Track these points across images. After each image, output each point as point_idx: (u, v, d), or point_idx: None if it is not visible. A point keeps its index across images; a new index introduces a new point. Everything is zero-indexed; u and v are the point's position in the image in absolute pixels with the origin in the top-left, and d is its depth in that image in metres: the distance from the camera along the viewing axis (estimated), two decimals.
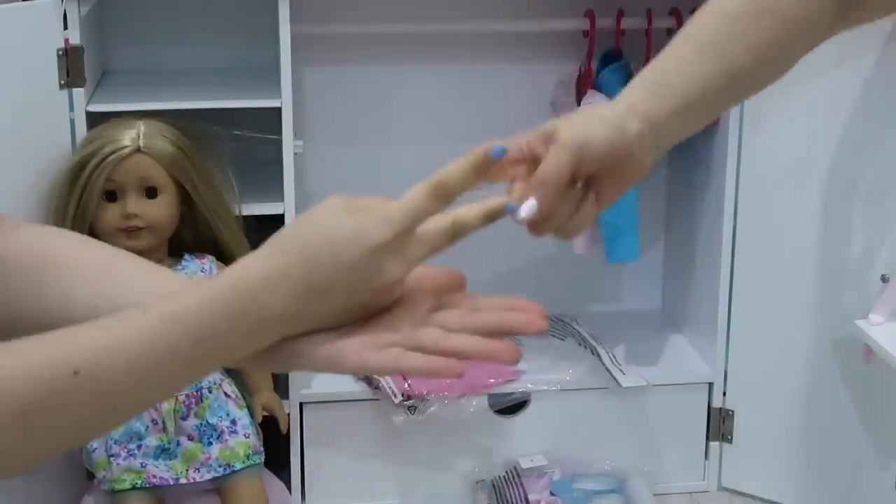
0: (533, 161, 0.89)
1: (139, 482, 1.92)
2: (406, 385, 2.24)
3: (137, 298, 0.84)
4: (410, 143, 2.50)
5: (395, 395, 2.23)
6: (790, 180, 2.19)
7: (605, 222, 2.27)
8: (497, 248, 2.55)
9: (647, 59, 2.33)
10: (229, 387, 2.01)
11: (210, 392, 1.97)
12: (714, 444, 2.40)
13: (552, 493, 2.27)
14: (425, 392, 2.24)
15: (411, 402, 2.23)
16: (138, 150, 1.92)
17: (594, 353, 2.39)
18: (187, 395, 1.95)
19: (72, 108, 2.03)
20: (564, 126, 0.89)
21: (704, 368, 2.39)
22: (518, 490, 2.23)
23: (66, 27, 1.99)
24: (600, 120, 0.89)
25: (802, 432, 2.27)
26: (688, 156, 2.46)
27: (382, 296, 0.80)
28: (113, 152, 1.91)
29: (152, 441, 1.94)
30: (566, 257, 2.55)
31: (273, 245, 0.80)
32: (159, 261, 1.99)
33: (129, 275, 0.87)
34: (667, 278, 2.65)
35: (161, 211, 1.94)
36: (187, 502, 2.00)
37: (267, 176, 2.17)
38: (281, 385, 2.16)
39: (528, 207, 0.88)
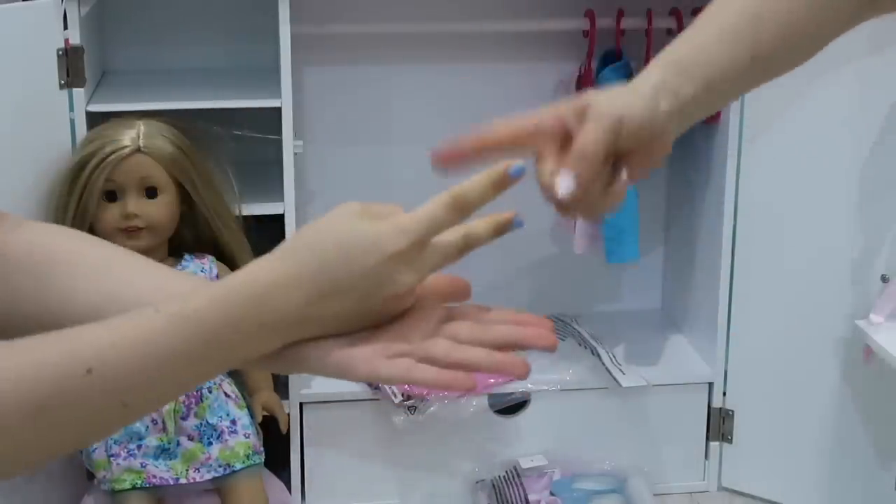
0: (564, 136, 0.88)
1: (139, 482, 1.92)
2: (406, 385, 2.24)
3: (138, 296, 0.84)
4: (410, 143, 2.49)
5: (395, 395, 2.23)
6: (790, 180, 2.19)
7: (605, 222, 2.27)
8: (497, 248, 2.54)
9: (647, 59, 2.33)
10: (229, 387, 2.01)
11: (210, 392, 1.97)
12: (714, 444, 2.40)
13: (552, 493, 2.27)
14: (425, 392, 2.24)
15: (411, 402, 2.23)
16: (138, 150, 1.92)
17: (594, 353, 2.39)
18: (187, 395, 1.95)
19: (72, 108, 2.03)
20: (599, 99, 0.87)
21: (704, 368, 2.39)
22: (518, 490, 2.23)
23: (66, 27, 1.99)
24: (635, 95, 0.88)
25: (802, 432, 2.27)
26: (688, 156, 2.46)
27: (393, 304, 0.80)
28: (113, 152, 1.91)
29: (152, 441, 1.94)
30: (566, 257, 2.55)
31: (286, 249, 0.79)
32: (159, 261, 1.98)
33: (129, 272, 0.87)
34: (667, 278, 2.65)
35: (161, 211, 1.94)
36: (187, 502, 2.00)
37: (267, 176, 2.17)
38: (281, 385, 2.16)
39: (565, 185, 0.86)
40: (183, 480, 1.94)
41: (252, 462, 1.98)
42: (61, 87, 2.00)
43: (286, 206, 2.12)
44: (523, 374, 0.79)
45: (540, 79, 2.44)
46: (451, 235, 0.81)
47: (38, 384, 0.70)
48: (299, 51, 2.13)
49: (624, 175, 0.89)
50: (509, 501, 2.22)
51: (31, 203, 1.96)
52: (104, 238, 1.97)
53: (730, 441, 2.38)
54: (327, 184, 2.47)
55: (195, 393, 1.96)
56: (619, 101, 0.87)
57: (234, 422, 1.98)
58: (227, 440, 1.96)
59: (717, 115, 2.26)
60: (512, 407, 2.32)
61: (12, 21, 1.91)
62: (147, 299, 0.82)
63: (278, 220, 2.13)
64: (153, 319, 0.74)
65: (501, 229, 0.83)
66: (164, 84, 2.23)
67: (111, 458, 1.92)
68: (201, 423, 1.95)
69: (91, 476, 2.03)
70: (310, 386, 2.27)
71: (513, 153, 0.86)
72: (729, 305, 2.31)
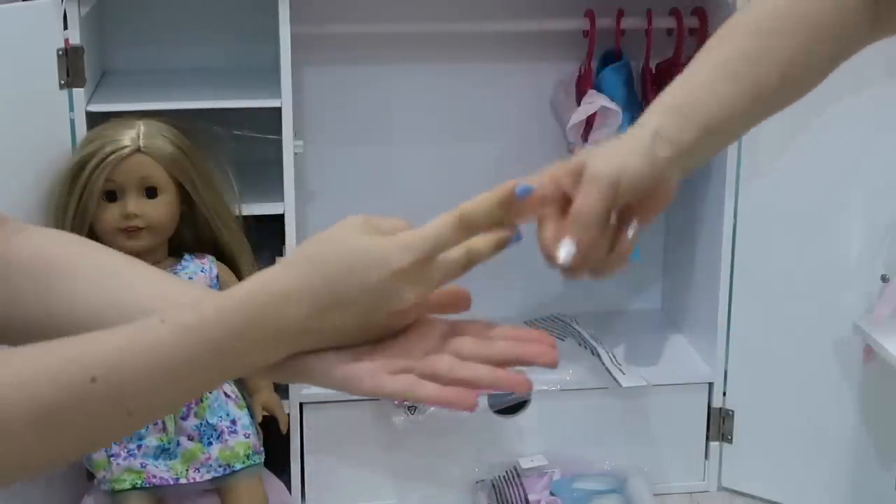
0: (563, 199, 0.87)
1: (139, 482, 1.92)
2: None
3: (140, 301, 0.84)
4: (410, 143, 2.50)
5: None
6: (790, 180, 2.19)
7: None
8: None
9: (647, 59, 2.35)
10: (229, 387, 2.01)
11: (210, 392, 1.97)
12: (714, 444, 2.40)
13: (552, 493, 2.27)
14: None
15: (411, 402, 2.23)
16: (138, 150, 1.92)
17: (594, 353, 2.39)
18: None
19: (72, 108, 2.03)
20: (593, 159, 0.86)
21: (704, 368, 2.39)
22: (518, 490, 2.23)
23: (66, 27, 1.99)
24: (629, 149, 0.86)
25: (802, 432, 2.27)
26: None
27: (397, 319, 0.81)
28: (113, 152, 1.91)
29: (152, 441, 1.94)
30: None
31: (291, 261, 0.80)
32: (159, 261, 1.99)
33: (131, 278, 0.87)
34: (667, 278, 2.65)
35: (161, 211, 1.94)
36: (187, 502, 2.00)
37: (267, 176, 2.17)
38: (281, 385, 2.16)
39: (566, 250, 0.86)
40: (183, 480, 1.94)
41: (252, 462, 1.98)
42: (61, 87, 2.00)
43: (286, 206, 2.12)
44: (525, 391, 0.80)
45: (540, 79, 2.44)
46: (454, 252, 0.81)
47: (43, 391, 0.70)
48: (299, 51, 2.13)
49: (631, 232, 0.88)
50: (509, 501, 2.22)
51: (31, 203, 1.96)
52: (104, 238, 1.98)
53: (730, 441, 2.38)
54: (327, 184, 2.47)
55: None
56: (615, 159, 0.85)
57: (234, 422, 1.98)
58: (227, 440, 1.96)
59: None
60: (512, 407, 2.32)
61: (12, 21, 1.91)
62: (149, 306, 0.82)
63: (278, 220, 2.13)
64: (158, 329, 0.74)
65: (502, 245, 0.84)
66: (164, 84, 2.22)
67: (111, 458, 1.92)
68: (201, 423, 1.95)
69: (91, 476, 2.03)
70: (310, 386, 2.27)
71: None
72: (729, 305, 2.31)
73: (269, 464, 2.07)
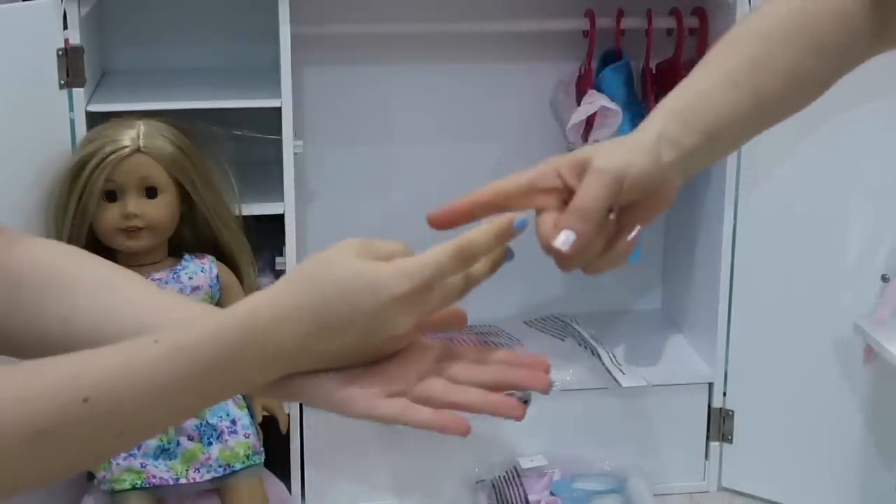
0: (564, 191, 0.87)
1: (139, 482, 1.92)
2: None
3: (138, 316, 0.84)
4: (410, 143, 2.50)
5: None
6: (790, 180, 2.19)
7: None
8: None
9: (647, 59, 2.35)
10: None
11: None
12: (714, 444, 2.40)
13: (552, 493, 2.27)
14: None
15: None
16: (138, 150, 1.92)
17: (594, 353, 2.39)
18: None
19: (72, 108, 2.03)
20: (599, 153, 0.86)
21: (704, 368, 2.39)
22: (518, 490, 2.23)
23: (66, 27, 1.99)
24: (635, 148, 0.86)
25: (802, 432, 2.27)
26: None
27: (393, 343, 0.81)
28: (113, 152, 1.91)
29: (152, 441, 1.93)
30: None
31: (287, 283, 0.80)
32: (159, 261, 1.99)
33: (130, 292, 0.87)
34: (667, 278, 2.65)
35: (161, 211, 1.94)
36: (187, 502, 2.00)
37: (267, 176, 2.17)
38: None
39: (564, 239, 0.86)
40: (183, 480, 1.94)
41: (252, 462, 1.98)
42: (61, 87, 2.00)
43: (286, 206, 2.12)
44: (519, 417, 0.83)
45: (540, 79, 2.44)
46: (452, 277, 0.82)
47: (37, 410, 0.70)
48: (299, 51, 2.13)
49: (632, 234, 0.88)
50: (509, 501, 2.22)
51: (31, 203, 1.96)
52: (104, 238, 1.98)
53: (730, 441, 2.38)
54: (327, 184, 2.47)
55: None
56: (619, 156, 0.85)
57: (234, 422, 1.98)
58: (226, 440, 1.96)
59: None
60: None
61: (12, 21, 1.90)
62: (147, 320, 0.83)
63: (278, 220, 2.13)
64: (153, 349, 0.74)
65: (497, 266, 0.87)
66: (164, 84, 2.22)
67: (111, 459, 1.92)
68: (201, 423, 1.95)
69: (91, 476, 2.03)
70: None
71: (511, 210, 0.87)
72: (729, 305, 2.31)
73: (269, 464, 2.07)
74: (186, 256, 2.02)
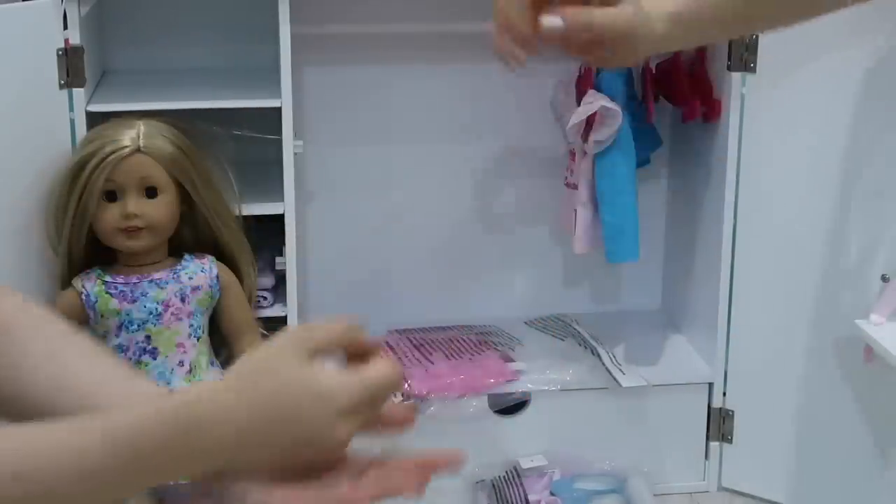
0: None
1: None
2: (406, 385, 2.24)
3: (80, 389, 0.85)
4: (410, 143, 2.49)
5: (395, 395, 2.23)
6: (790, 180, 2.19)
7: (605, 222, 2.27)
8: (498, 249, 2.55)
9: (647, 59, 2.34)
10: None
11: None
12: (714, 444, 2.40)
13: (552, 493, 2.27)
14: (425, 392, 2.23)
15: (411, 402, 2.23)
16: (138, 150, 1.92)
17: (594, 353, 2.39)
18: None
19: (72, 108, 2.02)
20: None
21: (704, 368, 2.39)
22: (518, 490, 2.23)
23: (66, 27, 1.99)
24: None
25: (802, 432, 2.27)
26: (688, 156, 2.46)
27: (328, 454, 0.81)
28: (113, 152, 1.91)
29: None
30: (566, 257, 2.55)
31: (229, 381, 0.79)
32: (159, 261, 1.99)
33: (78, 362, 0.88)
34: (667, 278, 2.65)
35: (161, 211, 1.94)
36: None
37: (267, 176, 2.17)
38: None
39: (551, 20, 1.13)
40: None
41: None
42: (61, 87, 2.00)
43: (286, 206, 2.12)
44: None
45: (540, 79, 2.44)
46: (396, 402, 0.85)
47: None
48: (299, 51, 2.13)
49: (546, 23, 1.14)
50: (509, 501, 2.22)
51: (31, 203, 1.96)
52: (104, 238, 1.98)
53: (730, 441, 2.38)
54: (327, 184, 2.47)
55: None
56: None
57: None
58: None
59: (717, 114, 2.26)
60: (512, 407, 2.32)
61: (12, 21, 1.91)
62: (88, 395, 0.83)
63: (278, 220, 2.13)
64: (83, 430, 0.74)
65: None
66: (164, 84, 2.22)
67: None
68: None
69: None
70: None
71: None
72: (729, 305, 2.31)
73: None
74: (186, 256, 2.01)
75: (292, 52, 2.06)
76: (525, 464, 2.29)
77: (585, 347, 2.43)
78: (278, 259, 2.16)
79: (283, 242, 2.14)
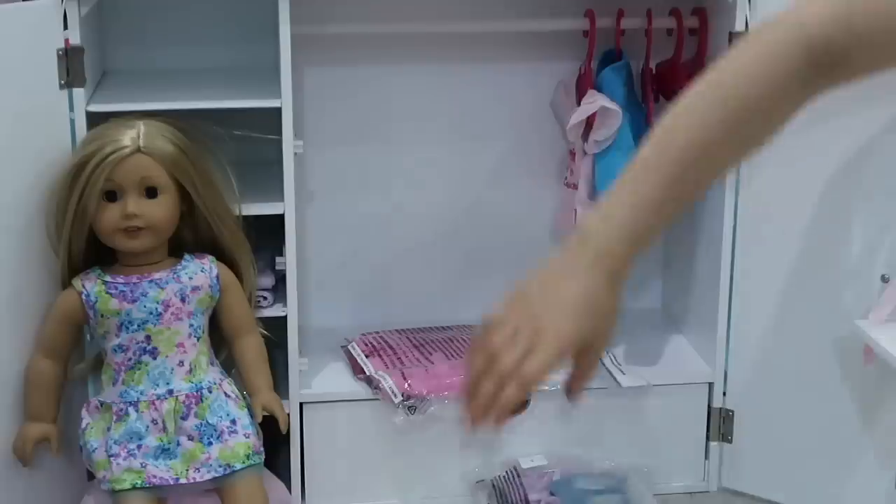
0: None
1: (139, 482, 1.92)
2: (406, 385, 2.24)
3: None
4: (410, 143, 2.49)
5: (395, 395, 2.23)
6: (790, 180, 2.19)
7: None
8: (498, 249, 2.54)
9: (647, 59, 2.35)
10: (229, 387, 2.01)
11: (210, 392, 1.97)
12: (714, 444, 2.40)
13: (552, 493, 2.27)
14: (425, 392, 2.23)
15: (411, 402, 2.23)
16: (138, 150, 1.92)
17: None
18: (187, 395, 1.95)
19: (72, 108, 2.03)
20: None
21: (704, 368, 2.39)
22: (518, 490, 2.23)
23: (66, 27, 1.99)
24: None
25: (802, 432, 2.27)
26: None
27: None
28: (113, 152, 1.91)
29: (152, 441, 1.94)
30: None
31: None
32: (159, 261, 1.99)
33: None
34: (667, 278, 2.65)
35: (161, 211, 1.94)
36: (187, 502, 2.00)
37: (267, 176, 2.17)
38: (281, 385, 2.16)
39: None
40: (183, 480, 1.94)
41: (252, 462, 1.98)
42: (61, 87, 2.00)
43: (286, 206, 2.12)
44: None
45: (540, 79, 2.44)
46: None
47: None
48: (299, 51, 2.13)
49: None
50: (509, 501, 2.22)
51: (31, 203, 1.96)
52: (104, 238, 1.99)
53: (730, 441, 2.38)
54: (327, 184, 2.47)
55: (195, 393, 1.96)
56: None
57: (234, 422, 1.98)
58: (227, 440, 1.96)
59: None
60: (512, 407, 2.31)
61: (12, 21, 1.91)
62: None
63: (278, 219, 2.13)
64: None
65: None
66: (164, 84, 2.22)
67: (111, 458, 1.92)
68: (201, 423, 1.95)
69: (91, 476, 2.03)
70: (310, 386, 2.28)
71: None
72: (729, 305, 2.31)
73: (268, 463, 2.07)
74: (186, 256, 2.02)
75: (292, 52, 2.06)
76: (525, 464, 2.29)
77: None
78: (278, 259, 2.16)
79: (283, 242, 2.14)
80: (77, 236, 1.95)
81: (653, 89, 2.35)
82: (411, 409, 2.23)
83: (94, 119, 2.02)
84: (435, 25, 2.35)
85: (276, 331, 2.16)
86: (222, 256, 2.04)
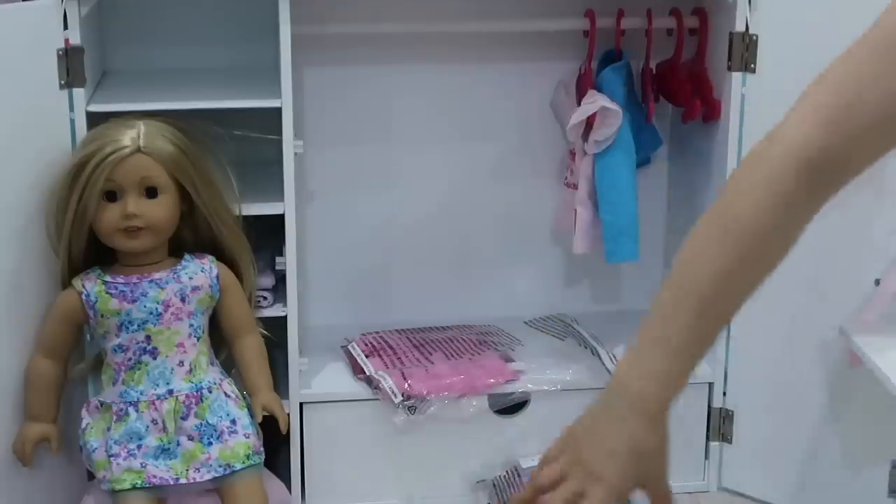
0: None
1: (139, 482, 1.92)
2: (406, 385, 2.24)
3: None
4: (410, 143, 2.49)
5: (395, 395, 2.23)
6: None
7: (604, 222, 2.27)
8: (498, 249, 2.55)
9: (647, 59, 2.35)
10: (229, 387, 2.01)
11: (210, 392, 1.97)
12: (714, 444, 2.40)
13: None
14: (425, 392, 2.23)
15: (411, 402, 2.23)
16: (138, 150, 1.92)
17: (594, 353, 2.39)
18: (187, 395, 1.95)
19: (72, 108, 2.03)
20: None
21: (704, 368, 2.38)
22: (518, 490, 2.23)
23: (66, 27, 1.99)
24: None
25: (802, 432, 2.27)
26: (688, 156, 2.46)
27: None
28: (113, 152, 1.91)
29: (152, 441, 1.94)
30: (566, 257, 2.55)
31: None
32: (159, 261, 1.99)
33: None
34: (667, 278, 2.64)
35: (161, 211, 1.94)
36: (187, 502, 2.00)
37: (267, 176, 2.17)
38: (281, 385, 2.16)
39: None
40: (183, 480, 1.94)
41: (252, 462, 1.98)
42: (61, 87, 2.00)
43: (286, 206, 2.12)
44: None
45: (540, 79, 2.44)
46: None
47: None
48: (299, 51, 2.13)
49: None
50: (509, 501, 2.22)
51: (31, 203, 1.96)
52: (104, 238, 1.99)
53: (730, 441, 2.38)
54: (327, 184, 2.47)
55: (195, 393, 1.96)
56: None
57: (234, 422, 1.98)
58: (227, 440, 1.96)
59: (717, 114, 2.26)
60: (512, 407, 2.32)
61: (12, 21, 1.91)
62: None
63: (278, 219, 2.13)
64: None
65: None
66: (164, 84, 2.22)
67: (111, 458, 1.92)
68: (201, 423, 1.95)
69: (91, 476, 2.03)
70: (310, 386, 2.27)
71: None
72: None
73: (268, 463, 2.07)
74: (186, 256, 2.02)
75: (292, 52, 2.06)
76: (525, 464, 2.29)
77: (585, 347, 2.42)
78: (278, 259, 2.16)
79: (283, 242, 2.14)
80: (77, 236, 1.95)
81: (653, 89, 2.35)
82: (411, 409, 2.23)
83: (94, 119, 2.02)
84: (435, 25, 2.35)
85: (276, 331, 2.16)
86: (222, 256, 2.04)
